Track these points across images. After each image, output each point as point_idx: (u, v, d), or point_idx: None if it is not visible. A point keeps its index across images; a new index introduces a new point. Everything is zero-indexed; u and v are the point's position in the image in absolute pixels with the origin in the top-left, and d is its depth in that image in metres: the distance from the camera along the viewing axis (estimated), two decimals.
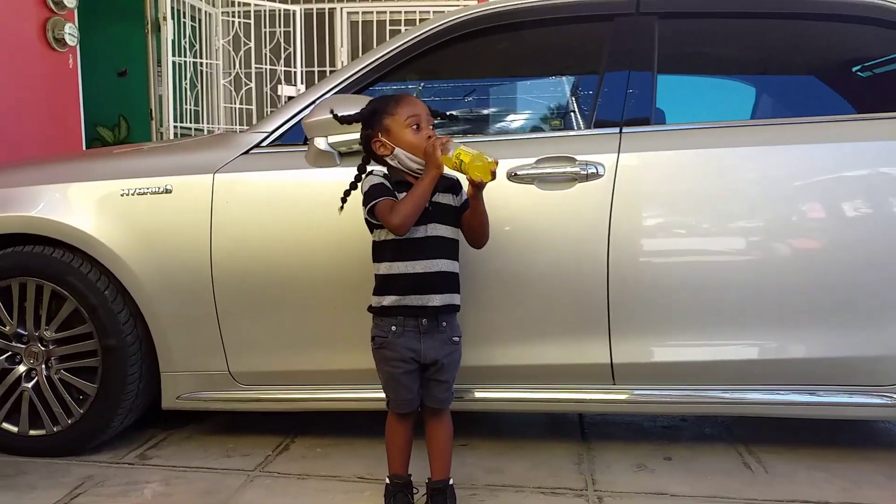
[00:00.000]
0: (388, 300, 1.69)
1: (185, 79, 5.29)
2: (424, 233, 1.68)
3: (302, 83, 5.64)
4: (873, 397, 1.96)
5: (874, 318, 1.92)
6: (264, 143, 2.15)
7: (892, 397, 1.95)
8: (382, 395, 2.02)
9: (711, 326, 1.98)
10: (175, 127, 5.17)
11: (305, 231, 2.06)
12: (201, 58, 5.46)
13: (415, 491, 1.78)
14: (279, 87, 5.58)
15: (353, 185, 1.79)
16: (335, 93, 2.12)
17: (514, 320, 2.02)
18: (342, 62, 5.69)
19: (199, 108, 5.48)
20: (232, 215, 2.07)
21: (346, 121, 1.79)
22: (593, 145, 1.99)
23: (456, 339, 1.74)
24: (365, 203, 1.69)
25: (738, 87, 2.36)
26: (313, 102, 2.11)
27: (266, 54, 5.63)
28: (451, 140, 1.64)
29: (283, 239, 2.06)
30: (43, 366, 2.18)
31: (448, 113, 1.88)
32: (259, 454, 2.20)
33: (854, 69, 2.25)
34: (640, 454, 2.18)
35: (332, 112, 1.81)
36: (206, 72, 5.50)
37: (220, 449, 2.25)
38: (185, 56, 5.29)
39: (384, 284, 1.71)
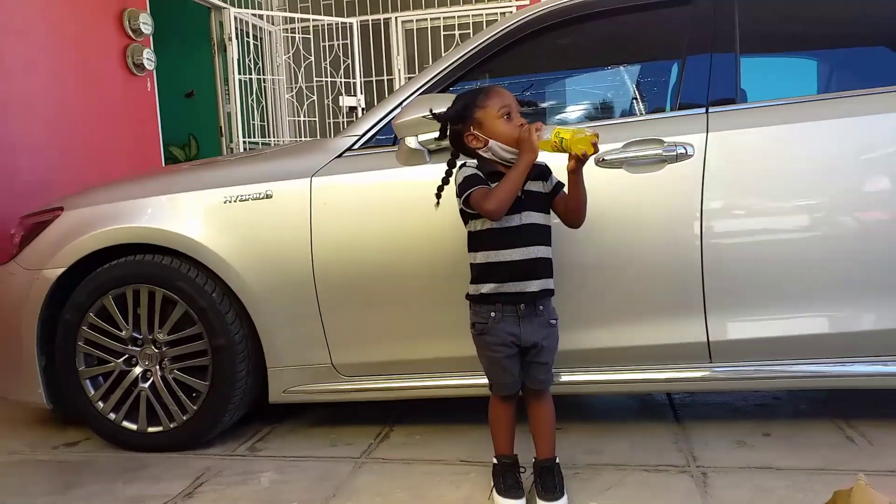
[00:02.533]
0: (487, 288, 1.75)
1: (251, 95, 5.49)
2: (519, 221, 1.73)
3: (361, 93, 5.78)
4: None
5: None
6: (356, 146, 2.24)
7: None
8: (478, 381, 2.10)
9: (809, 301, 1.99)
10: (244, 142, 5.36)
11: (400, 227, 2.14)
12: (265, 74, 5.65)
13: (522, 470, 1.84)
14: (340, 97, 5.73)
15: (446, 180, 1.85)
16: (421, 93, 2.20)
17: (608, 303, 2.06)
18: (399, 70, 5.81)
19: (265, 123, 5.66)
20: (330, 216, 2.17)
21: (441, 118, 1.86)
22: (681, 126, 2.02)
23: (553, 321, 1.80)
24: (459, 193, 1.75)
25: (817, 62, 2.35)
26: (401, 104, 2.20)
27: (326, 67, 5.79)
28: (544, 125, 1.70)
29: (379, 236, 2.15)
30: (157, 367, 2.31)
31: (536, 102, 1.93)
32: (362, 443, 2.29)
33: None
34: (738, 432, 2.19)
35: (430, 111, 1.88)
36: (271, 88, 5.69)
37: (323, 439, 2.35)
38: (250, 73, 5.49)
39: (481, 273, 1.77)
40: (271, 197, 2.21)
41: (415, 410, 2.53)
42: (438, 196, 1.87)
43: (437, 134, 2.01)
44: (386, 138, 2.26)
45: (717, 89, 2.06)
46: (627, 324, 2.07)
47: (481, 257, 1.76)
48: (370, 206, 2.17)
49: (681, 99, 2.10)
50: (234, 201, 2.23)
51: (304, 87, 5.75)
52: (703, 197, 1.98)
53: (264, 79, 5.60)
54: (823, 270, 1.96)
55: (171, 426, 2.31)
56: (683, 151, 1.99)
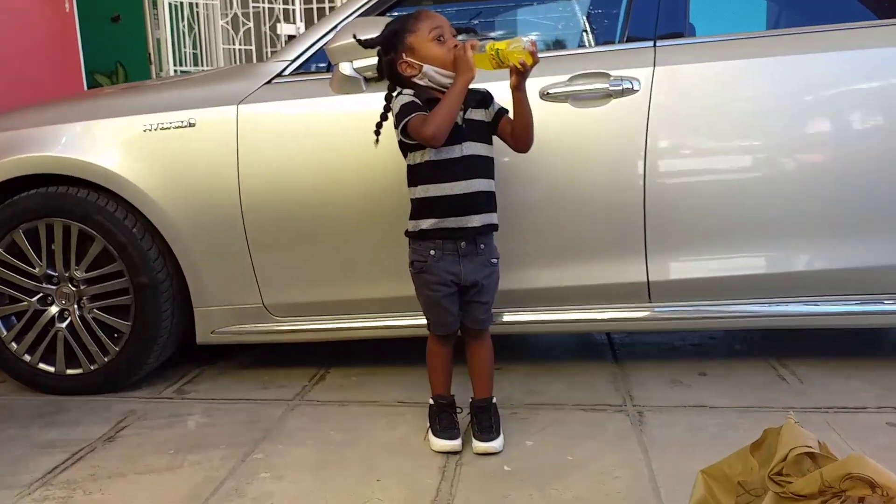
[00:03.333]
0: (426, 223, 1.67)
1: (183, 21, 5.15)
2: (460, 152, 1.65)
3: (301, 20, 5.50)
4: None
5: None
6: (286, 72, 2.10)
7: None
8: (416, 321, 2.06)
9: (750, 240, 1.97)
10: (175, 70, 5.05)
11: (334, 159, 2.02)
12: None
13: (459, 410, 1.80)
14: (278, 25, 5.44)
15: (384, 116, 1.74)
16: (357, 16, 2.06)
17: (550, 242, 2.01)
18: None
19: (198, 51, 5.35)
20: (258, 147, 2.03)
21: (368, 44, 1.74)
22: (628, 59, 1.94)
23: (494, 260, 1.74)
24: (397, 123, 1.65)
25: None
26: (335, 27, 2.06)
27: None
28: (479, 42, 1.59)
29: (311, 169, 2.03)
30: (75, 306, 2.17)
31: (470, 24, 1.81)
32: (295, 385, 2.22)
33: None
34: (674, 371, 2.20)
35: (354, 36, 1.76)
36: (203, 13, 5.35)
37: (255, 382, 2.27)
38: None
39: (421, 208, 1.69)
40: (194, 125, 2.05)
41: (352, 352, 2.46)
42: (377, 132, 1.75)
43: (374, 60, 1.90)
44: (320, 66, 2.12)
45: (665, 23, 1.98)
46: (569, 263, 2.02)
47: (420, 191, 1.68)
48: (302, 137, 2.04)
49: (629, 32, 2.02)
50: (155, 129, 2.07)
51: (239, 14, 5.43)
52: (648, 134, 1.92)
53: (196, 3, 5.25)
54: (763, 211, 1.94)
55: (92, 368, 2.19)
56: (630, 86, 1.92)
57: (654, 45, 1.96)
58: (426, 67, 1.63)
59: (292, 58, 2.10)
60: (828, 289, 1.98)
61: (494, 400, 1.79)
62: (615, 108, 1.92)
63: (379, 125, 1.74)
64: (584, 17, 2.31)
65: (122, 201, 2.09)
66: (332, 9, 5.60)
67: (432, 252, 1.67)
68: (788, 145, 1.94)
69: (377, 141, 1.75)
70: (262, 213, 2.05)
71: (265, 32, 5.58)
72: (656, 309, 2.05)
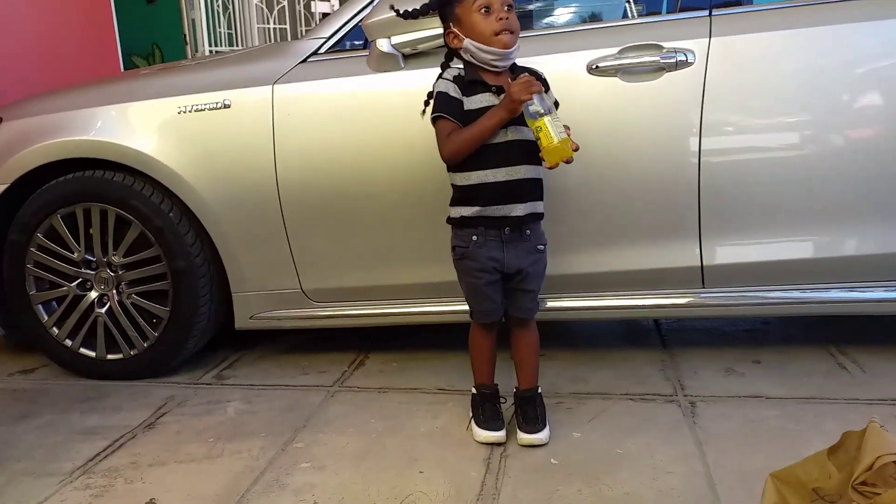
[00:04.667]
0: (468, 211, 1.59)
1: (217, 1, 5.12)
2: (505, 137, 1.55)
3: None
4: None
5: None
6: (322, 50, 2.03)
7: None
8: (458, 307, 2.00)
9: (812, 222, 1.86)
10: (210, 51, 5.03)
11: (373, 140, 1.96)
12: None
13: (502, 400, 1.74)
14: (312, 3, 5.38)
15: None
16: None
17: (598, 225, 1.92)
18: None
19: (233, 31, 5.32)
20: (294, 128, 1.98)
21: (411, 15, 1.66)
22: (681, 30, 1.83)
23: (541, 247, 1.65)
24: (432, 111, 1.58)
25: None
26: (371, 2, 1.98)
27: None
28: (539, 85, 1.47)
29: (350, 150, 1.97)
30: (114, 291, 2.16)
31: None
32: (335, 371, 2.18)
33: None
34: (727, 359, 2.11)
35: (392, 7, 1.68)
36: None
37: (295, 367, 2.24)
38: None
39: (462, 195, 1.61)
40: (229, 107, 2.00)
41: (392, 337, 2.41)
42: (427, 104, 1.66)
43: (414, 35, 1.83)
44: (355, 43, 2.05)
45: None
46: (618, 247, 1.93)
47: (461, 178, 1.59)
48: (339, 117, 1.97)
49: (682, 1, 1.90)
50: (190, 111, 2.02)
51: None
52: (703, 110, 1.81)
53: None
54: (825, 192, 1.82)
55: (132, 353, 2.17)
56: (683, 58, 1.81)
57: (710, 14, 1.84)
58: (466, 41, 1.54)
59: (328, 35, 2.03)
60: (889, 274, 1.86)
61: (540, 390, 1.72)
62: (668, 82, 1.82)
63: (430, 95, 1.64)
64: None
65: (158, 185, 2.06)
66: None
67: (474, 238, 1.60)
68: (853, 120, 1.81)
69: (424, 112, 1.65)
70: (299, 196, 2.00)
71: (299, 11, 5.52)
72: (708, 294, 1.95)
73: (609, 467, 1.54)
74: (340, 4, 5.42)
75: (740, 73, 1.81)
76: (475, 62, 1.56)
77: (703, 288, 1.95)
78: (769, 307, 1.97)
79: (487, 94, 1.55)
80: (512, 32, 1.52)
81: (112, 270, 2.15)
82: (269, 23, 5.36)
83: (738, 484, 1.44)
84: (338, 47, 2.03)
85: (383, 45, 1.89)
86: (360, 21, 1.96)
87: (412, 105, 1.91)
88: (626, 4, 2.18)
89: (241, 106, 2.00)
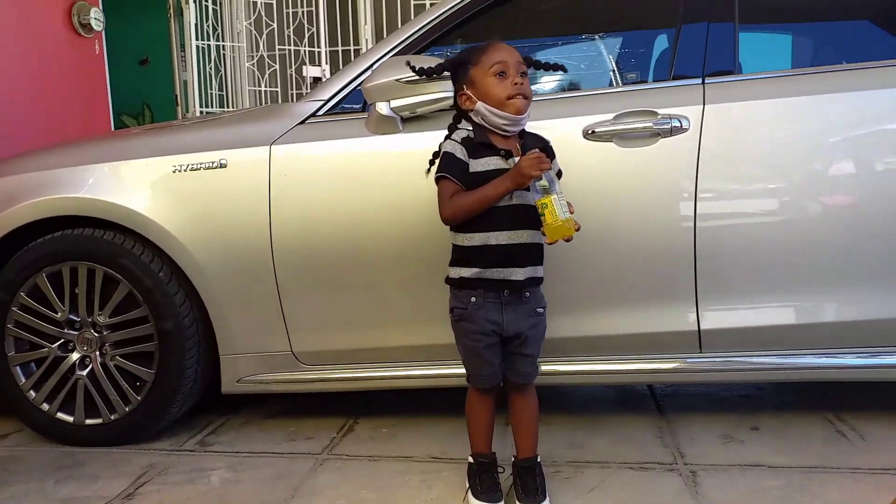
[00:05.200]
0: (468, 272, 1.57)
1: (209, 63, 5.19)
2: (510, 201, 1.54)
3: (326, 63, 5.51)
4: None
5: None
6: (320, 112, 2.04)
7: None
8: (452, 370, 1.96)
9: (806, 288, 1.86)
10: (201, 112, 5.06)
11: (369, 202, 1.95)
12: (224, 41, 5.34)
13: (500, 470, 1.68)
14: (304, 68, 5.45)
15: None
16: (392, 56, 2.01)
17: (594, 288, 1.91)
18: (366, 40, 5.55)
19: (224, 93, 5.37)
20: (291, 188, 1.97)
21: (426, 73, 1.68)
22: (676, 97, 1.86)
23: (540, 310, 1.63)
24: (437, 170, 1.58)
25: (815, 35, 2.22)
26: (370, 67, 2.00)
27: (290, 35, 5.50)
28: (549, 163, 1.48)
29: (346, 211, 1.95)
30: (97, 352, 2.09)
31: (560, 65, 1.69)
32: (324, 437, 2.11)
33: None
34: (724, 425, 2.07)
35: (408, 64, 1.70)
36: (230, 55, 5.38)
37: (282, 433, 2.17)
38: (208, 39, 5.18)
39: (463, 255, 1.59)
40: (226, 166, 1.99)
41: (381, 402, 2.35)
42: (432, 163, 1.65)
43: (413, 100, 1.85)
44: (352, 106, 2.06)
45: (714, 60, 1.91)
46: (614, 311, 1.92)
47: (464, 238, 1.58)
48: (336, 179, 1.97)
49: (675, 69, 1.94)
50: (185, 170, 2.01)
51: (265, 56, 5.46)
52: (699, 174, 1.83)
53: (223, 45, 5.29)
54: (823, 257, 1.83)
55: (112, 418, 2.09)
56: (678, 125, 1.83)
57: (703, 83, 1.88)
58: (479, 104, 1.55)
59: (326, 97, 2.04)
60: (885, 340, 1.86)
61: (539, 459, 1.67)
62: (664, 148, 1.84)
63: (432, 161, 1.65)
64: (629, 57, 2.24)
65: (148, 244, 2.03)
66: (357, 52, 5.62)
67: (473, 300, 1.57)
68: (846, 185, 1.83)
69: (429, 171, 1.64)
70: (293, 257, 1.97)
71: (290, 74, 5.60)
72: (706, 359, 1.93)
73: None
74: (331, 70, 5.53)
75: (733, 140, 1.84)
76: (485, 125, 1.57)
77: (700, 352, 1.93)
78: (765, 372, 1.95)
79: (496, 157, 1.55)
80: (525, 98, 1.53)
81: (96, 331, 2.09)
82: (260, 85, 5.42)
83: None
84: (335, 110, 2.04)
85: (383, 108, 1.90)
86: (360, 85, 1.97)
87: (410, 167, 1.94)
88: (618, 73, 2.22)
89: (238, 165, 1.99)
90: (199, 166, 2.00)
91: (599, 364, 1.96)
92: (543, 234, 1.50)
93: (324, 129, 2.01)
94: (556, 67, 1.64)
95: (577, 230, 1.47)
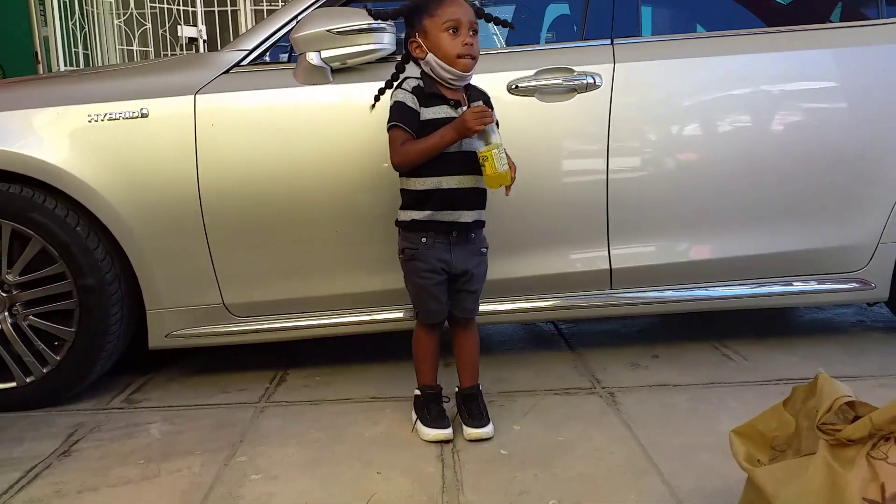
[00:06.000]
0: (420, 215, 1.67)
1: (72, 19, 4.82)
2: (458, 147, 1.64)
3: (203, 23, 5.29)
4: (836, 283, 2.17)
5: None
6: (245, 62, 2.02)
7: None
8: (386, 315, 2.05)
9: (702, 229, 2.10)
10: (65, 71, 4.70)
11: (299, 152, 1.97)
12: None
13: (445, 400, 1.80)
14: (178, 27, 5.20)
15: (389, 84, 1.74)
16: (318, 6, 2.02)
17: (520, 233, 2.05)
18: (245, 1, 5.38)
19: (89, 51, 5.01)
20: (218, 139, 1.95)
21: (383, 16, 1.75)
22: (590, 56, 2.02)
23: (484, 250, 1.76)
24: (388, 119, 1.66)
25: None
26: (297, 17, 2.01)
27: None
28: (491, 117, 1.58)
29: (275, 161, 1.97)
30: (6, 313, 1.98)
31: (508, 22, 1.80)
32: (257, 388, 2.13)
33: None
34: (629, 355, 2.30)
35: (366, 7, 1.75)
36: (96, 11, 5.01)
37: (211, 388, 2.16)
38: None
39: (414, 199, 1.68)
40: (147, 116, 1.93)
41: (308, 354, 2.39)
42: (377, 99, 1.78)
43: (344, 51, 1.90)
44: (275, 57, 2.07)
45: (620, 24, 2.09)
46: (536, 254, 2.08)
47: (416, 183, 1.67)
48: (266, 128, 1.97)
49: (586, 32, 2.10)
50: (102, 120, 1.93)
51: (135, 14, 5.14)
52: (610, 126, 2.01)
53: (89, 0, 4.92)
54: (717, 198, 2.08)
55: (28, 381, 2.00)
56: (592, 81, 2.00)
57: (612, 43, 2.05)
58: (429, 56, 1.63)
59: (250, 47, 2.02)
60: (774, 271, 2.15)
61: (480, 387, 1.80)
62: (580, 103, 2.00)
63: (381, 91, 1.76)
64: (546, 18, 2.39)
65: (64, 198, 1.93)
66: (234, 13, 5.44)
67: (424, 240, 1.67)
68: (727, 140, 2.08)
69: (373, 106, 1.77)
70: (222, 207, 1.96)
71: (161, 34, 5.32)
72: (616, 295, 2.14)
73: (556, 453, 1.64)
74: (207, 30, 5.30)
75: (639, 96, 2.04)
76: (433, 76, 1.65)
77: (611, 289, 2.14)
78: (667, 304, 2.18)
79: (445, 106, 1.64)
80: (473, 59, 1.63)
81: (4, 290, 1.97)
82: (133, 45, 5.11)
83: (673, 456, 1.59)
84: (260, 60, 2.03)
85: (313, 58, 1.92)
86: (286, 34, 1.98)
87: (339, 117, 1.99)
88: (536, 33, 2.36)
89: (161, 115, 1.94)
90: (118, 116, 1.93)
91: (524, 302, 2.12)
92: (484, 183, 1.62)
93: (250, 78, 1.99)
94: (505, 24, 1.76)
95: (513, 180, 1.60)
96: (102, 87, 2.04)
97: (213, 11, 5.42)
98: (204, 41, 5.28)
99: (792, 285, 2.16)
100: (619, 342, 2.49)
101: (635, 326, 2.65)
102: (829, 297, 2.21)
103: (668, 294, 2.14)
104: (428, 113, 1.63)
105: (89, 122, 1.93)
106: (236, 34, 5.41)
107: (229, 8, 5.40)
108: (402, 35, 1.73)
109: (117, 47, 5.07)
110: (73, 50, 4.82)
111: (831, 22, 2.40)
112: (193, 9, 5.28)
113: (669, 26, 2.41)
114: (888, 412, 0.97)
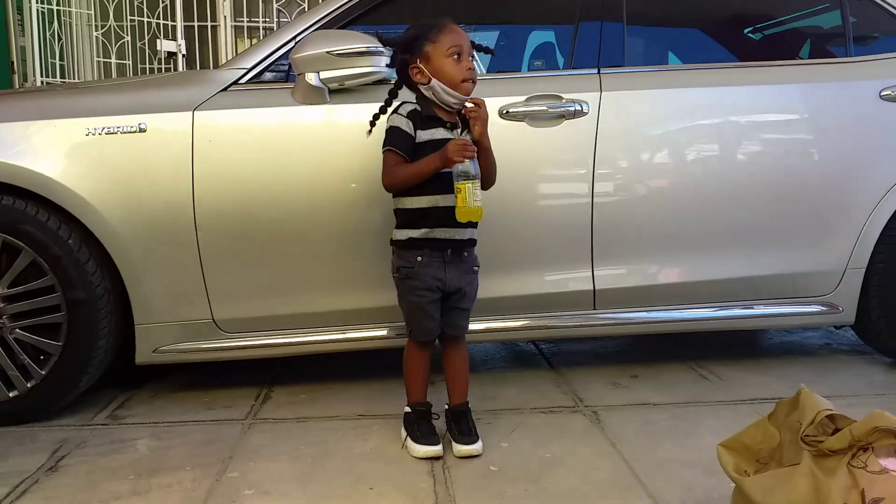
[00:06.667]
0: (416, 233, 1.72)
1: (49, 29, 4.78)
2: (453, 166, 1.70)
3: (182, 38, 5.29)
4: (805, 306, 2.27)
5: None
6: (243, 80, 2.05)
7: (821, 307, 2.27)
8: (374, 333, 2.08)
9: (679, 252, 2.18)
10: (42, 82, 4.66)
11: (295, 171, 2.01)
12: (69, 6, 4.94)
13: (435, 416, 1.83)
14: (157, 41, 5.19)
15: (384, 109, 1.78)
16: (317, 28, 2.07)
17: (507, 254, 2.10)
18: (225, 17, 5.40)
19: (66, 63, 4.97)
20: (216, 155, 1.97)
21: (387, 42, 1.80)
22: (578, 84, 2.10)
23: (476, 268, 1.81)
24: (384, 143, 1.72)
25: (689, 37, 2.57)
26: (295, 38, 2.05)
27: (140, 6, 5.20)
28: (472, 151, 1.63)
29: (271, 179, 2.00)
30: None
31: (489, 47, 1.90)
32: (243, 405, 2.14)
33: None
34: (609, 375, 2.36)
35: (376, 34, 1.80)
36: (75, 23, 4.99)
37: (196, 404, 2.16)
38: (50, 4, 4.77)
39: (410, 217, 1.73)
40: (145, 131, 1.95)
41: (292, 372, 2.40)
42: (372, 124, 1.81)
43: (342, 72, 1.95)
44: (275, 76, 2.10)
45: (607, 54, 2.17)
46: (524, 274, 2.13)
47: (413, 202, 1.72)
48: (263, 146, 2.00)
49: (574, 61, 2.19)
50: (100, 134, 1.94)
51: (114, 26, 5.12)
52: (596, 152, 2.08)
53: (67, 11, 4.89)
54: (696, 224, 2.17)
55: (11, 395, 1.98)
56: (580, 108, 2.08)
57: (599, 73, 2.14)
58: (434, 82, 1.68)
59: (249, 66, 2.06)
60: (754, 294, 2.24)
61: (470, 405, 1.84)
62: (567, 128, 2.08)
63: (377, 116, 1.80)
64: (535, 47, 2.47)
65: (56, 210, 1.93)
66: (214, 28, 5.46)
67: (419, 258, 1.71)
68: (711, 167, 2.18)
69: (370, 131, 1.80)
70: (217, 224, 1.99)
71: (139, 48, 5.31)
72: (586, 316, 2.19)
73: (544, 468, 1.68)
74: (186, 45, 5.31)
75: (624, 124, 2.12)
76: (434, 99, 1.70)
77: (594, 310, 2.20)
78: (646, 325, 2.25)
79: (441, 128, 1.70)
80: (474, 82, 1.70)
81: None
82: (111, 57, 5.08)
83: (657, 471, 1.65)
84: (258, 79, 2.07)
85: (312, 78, 1.96)
86: (285, 55, 2.02)
87: (335, 138, 2.03)
88: (527, 61, 2.44)
89: (159, 130, 1.96)
90: (115, 130, 1.94)
91: (509, 321, 2.17)
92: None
93: (249, 97, 2.03)
94: (487, 50, 1.85)
95: (480, 217, 1.66)
96: (101, 100, 2.05)
97: (193, 26, 5.44)
98: (183, 56, 5.29)
99: (764, 308, 2.25)
100: (598, 362, 2.56)
101: (613, 346, 2.72)
102: (799, 321, 2.31)
103: (645, 315, 2.21)
104: (424, 135, 1.69)
105: (87, 135, 1.94)
106: (216, 50, 5.43)
107: (209, 23, 5.42)
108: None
109: (95, 59, 5.04)
110: (49, 61, 4.79)
111: (801, 58, 2.52)
112: (173, 23, 5.29)
113: (645, 57, 2.50)
114: (866, 424, 1.03)
